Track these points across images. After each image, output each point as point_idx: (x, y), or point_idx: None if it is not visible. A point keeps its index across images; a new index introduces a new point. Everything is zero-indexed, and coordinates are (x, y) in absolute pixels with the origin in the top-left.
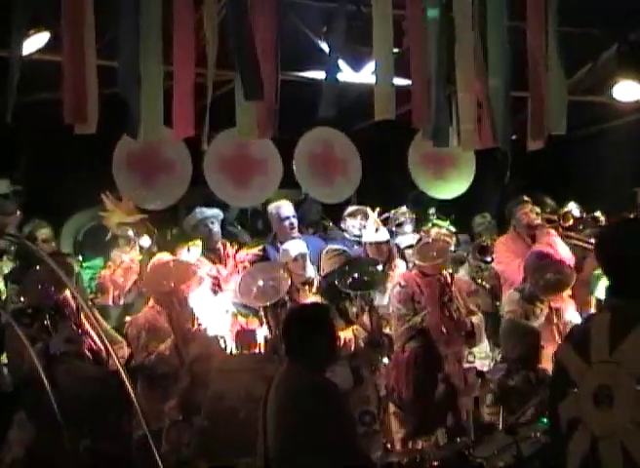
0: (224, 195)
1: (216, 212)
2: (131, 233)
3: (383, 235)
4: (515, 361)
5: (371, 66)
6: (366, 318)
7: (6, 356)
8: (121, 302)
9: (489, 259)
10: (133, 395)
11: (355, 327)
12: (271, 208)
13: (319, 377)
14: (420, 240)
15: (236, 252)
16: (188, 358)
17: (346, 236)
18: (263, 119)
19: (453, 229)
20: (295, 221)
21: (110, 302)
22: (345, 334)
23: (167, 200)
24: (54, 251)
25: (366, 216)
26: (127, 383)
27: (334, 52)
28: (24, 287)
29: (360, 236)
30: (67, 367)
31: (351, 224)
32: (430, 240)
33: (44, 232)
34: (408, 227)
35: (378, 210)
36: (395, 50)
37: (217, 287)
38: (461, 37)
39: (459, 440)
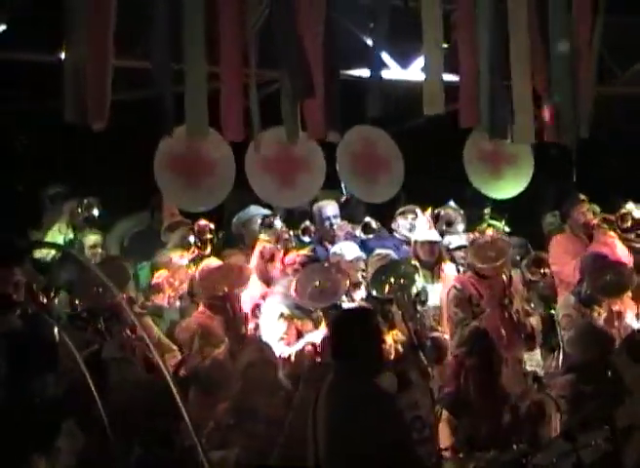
0: (268, 196)
1: (266, 211)
2: (192, 238)
3: (435, 235)
4: (585, 365)
5: (419, 63)
6: (407, 319)
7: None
8: (177, 304)
9: (543, 272)
10: (181, 404)
11: (395, 331)
12: (315, 207)
13: (372, 383)
14: (474, 241)
15: (284, 254)
16: (242, 363)
17: (396, 236)
18: (314, 118)
19: (507, 229)
20: (336, 222)
21: (165, 303)
22: (387, 339)
23: (210, 202)
24: (108, 256)
25: (416, 216)
26: (174, 392)
27: (378, 48)
28: (79, 291)
29: (409, 236)
30: (120, 373)
31: (401, 224)
32: (488, 240)
33: (92, 238)
34: (460, 226)
35: (430, 209)
36: (445, 45)
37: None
38: (516, 27)
39: (516, 447)
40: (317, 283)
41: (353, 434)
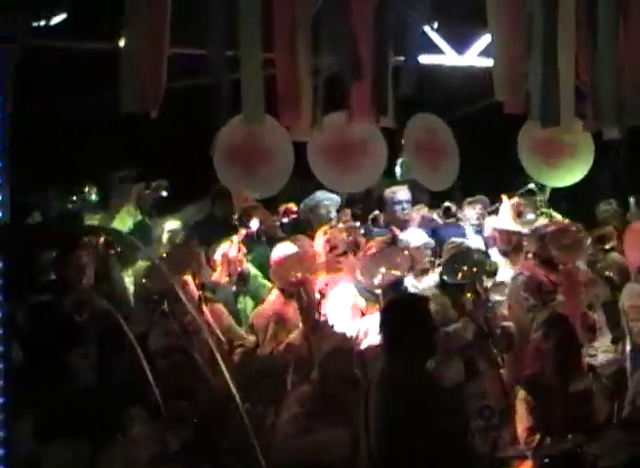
0: (330, 182)
1: (335, 197)
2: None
3: (515, 225)
4: None
5: (476, 48)
6: (477, 307)
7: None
8: (233, 288)
9: (608, 247)
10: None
11: (465, 318)
12: (387, 192)
13: (423, 371)
14: (537, 230)
15: (366, 243)
16: (322, 352)
17: (461, 224)
18: (362, 100)
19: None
20: (407, 207)
21: (221, 280)
22: (456, 326)
23: (268, 190)
24: (180, 241)
25: (485, 206)
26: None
27: (417, 27)
28: (150, 274)
29: (478, 224)
30: (169, 363)
31: (469, 214)
32: (560, 228)
33: (172, 224)
34: (530, 216)
35: (516, 198)
36: None
37: None
38: (564, 13)
39: (570, 436)
40: (383, 269)
41: (405, 423)
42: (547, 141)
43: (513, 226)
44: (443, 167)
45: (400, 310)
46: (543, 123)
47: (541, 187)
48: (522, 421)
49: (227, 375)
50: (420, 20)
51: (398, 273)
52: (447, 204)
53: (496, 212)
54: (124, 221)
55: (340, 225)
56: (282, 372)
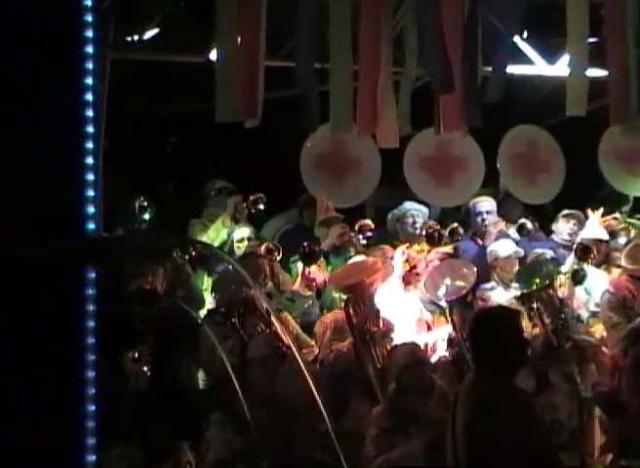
0: (426, 194)
1: (424, 208)
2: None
3: (602, 234)
4: None
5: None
6: (546, 319)
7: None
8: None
9: None
10: (318, 398)
11: (535, 330)
12: (471, 202)
13: (509, 386)
14: (628, 242)
15: (428, 253)
16: (396, 365)
17: (554, 238)
18: (452, 112)
19: None
20: (488, 218)
21: (300, 289)
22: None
23: (355, 198)
24: (249, 251)
25: (580, 222)
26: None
27: (507, 36)
28: (218, 286)
29: (570, 241)
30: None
31: (562, 227)
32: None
33: (241, 232)
34: (622, 239)
35: (601, 209)
36: (593, 39)
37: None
38: None
39: None
40: (448, 281)
41: (492, 436)
42: (629, 150)
43: (601, 235)
44: (542, 181)
45: (492, 322)
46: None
47: (625, 197)
48: (596, 440)
49: (312, 387)
50: (510, 30)
51: (463, 284)
52: (522, 221)
53: None
54: (218, 232)
55: (417, 246)
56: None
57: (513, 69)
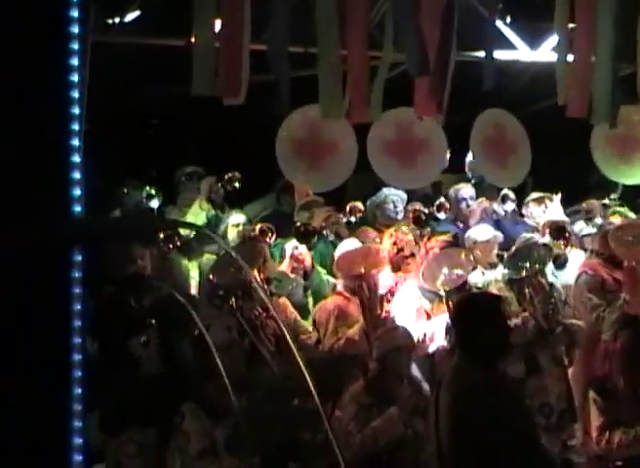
0: (390, 177)
1: (402, 193)
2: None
3: (562, 216)
4: None
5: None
6: (537, 304)
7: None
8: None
9: None
10: (312, 387)
11: (525, 314)
12: (451, 190)
13: (492, 373)
14: (602, 227)
15: (428, 240)
16: (383, 347)
17: (527, 221)
18: (425, 96)
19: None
20: (472, 203)
21: (288, 271)
22: (516, 322)
23: (334, 182)
24: (247, 236)
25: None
26: (307, 375)
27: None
28: (216, 269)
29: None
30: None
31: (534, 211)
32: (623, 224)
33: (236, 217)
34: (599, 220)
35: (560, 193)
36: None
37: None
38: None
39: None
40: (446, 270)
41: (476, 422)
42: (620, 137)
43: (564, 218)
44: (511, 163)
45: (473, 308)
46: (611, 125)
47: (616, 185)
48: (594, 420)
49: (305, 372)
50: (491, 15)
51: (461, 272)
52: (505, 191)
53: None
54: (197, 216)
55: (404, 228)
56: (342, 369)
57: (496, 54)
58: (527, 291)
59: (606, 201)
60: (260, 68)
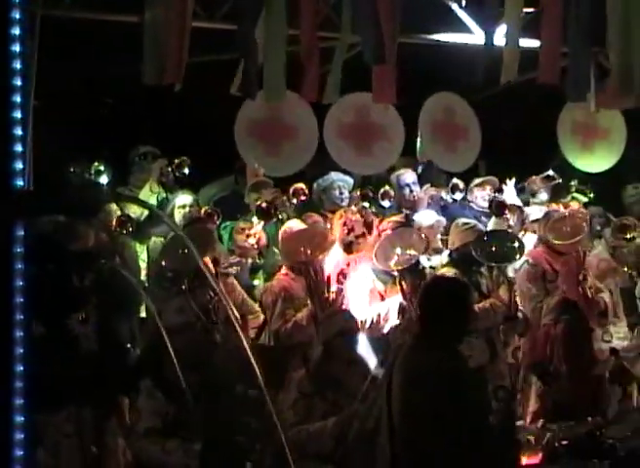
0: (346, 162)
1: (349, 179)
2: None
3: (517, 201)
4: None
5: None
6: (502, 292)
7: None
8: (249, 261)
9: (629, 237)
10: (257, 369)
11: (493, 300)
12: (393, 176)
13: (449, 353)
14: (547, 215)
15: (379, 222)
16: (328, 332)
17: (474, 207)
18: (383, 83)
19: (586, 200)
20: (415, 189)
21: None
22: (480, 307)
23: (292, 167)
24: (194, 217)
25: (494, 188)
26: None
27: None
28: (166, 251)
29: (487, 208)
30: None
31: (479, 195)
32: (565, 215)
33: (183, 198)
34: (543, 196)
35: (514, 178)
36: (530, 10)
37: None
38: None
39: (590, 419)
40: (399, 250)
41: (428, 402)
42: (585, 126)
43: (516, 201)
44: (461, 148)
45: (436, 291)
46: (570, 98)
47: (573, 170)
48: (530, 406)
49: (250, 354)
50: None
51: (414, 253)
52: (454, 181)
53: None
54: (147, 198)
55: (354, 208)
56: (288, 356)
57: (449, 37)
58: (489, 277)
59: (549, 172)
60: (218, 47)
